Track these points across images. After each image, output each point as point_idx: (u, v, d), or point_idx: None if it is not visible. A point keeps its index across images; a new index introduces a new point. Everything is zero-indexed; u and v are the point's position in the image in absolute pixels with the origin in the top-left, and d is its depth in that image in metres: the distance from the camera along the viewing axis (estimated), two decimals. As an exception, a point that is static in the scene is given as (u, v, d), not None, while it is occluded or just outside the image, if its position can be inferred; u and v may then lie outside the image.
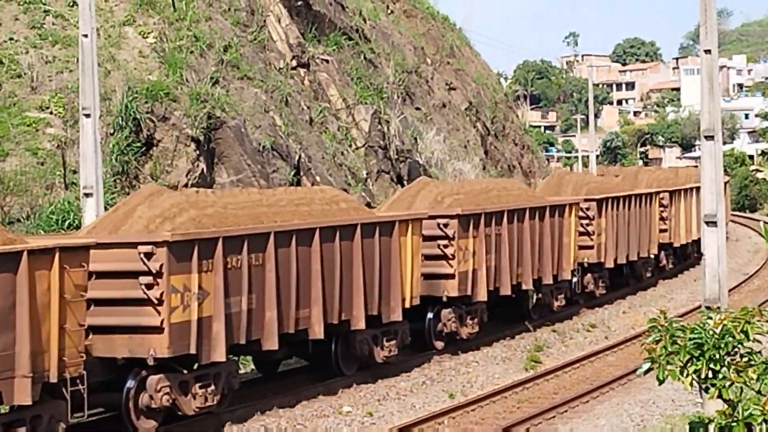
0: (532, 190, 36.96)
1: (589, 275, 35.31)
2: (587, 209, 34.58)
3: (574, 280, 33.64)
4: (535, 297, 32.13)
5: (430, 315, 26.92)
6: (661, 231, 41.84)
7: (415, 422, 20.44)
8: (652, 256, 40.95)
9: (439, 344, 27.24)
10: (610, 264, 36.09)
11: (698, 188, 45.99)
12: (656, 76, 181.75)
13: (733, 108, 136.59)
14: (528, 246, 30.01)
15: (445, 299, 26.83)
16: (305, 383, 23.53)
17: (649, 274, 40.98)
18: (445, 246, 26.59)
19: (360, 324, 23.19)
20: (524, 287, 30.38)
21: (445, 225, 26.48)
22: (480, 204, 28.46)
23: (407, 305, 24.73)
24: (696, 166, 62.10)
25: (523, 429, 20.35)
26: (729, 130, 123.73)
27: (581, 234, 34.11)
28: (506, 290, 28.92)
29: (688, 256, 47.70)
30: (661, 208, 41.78)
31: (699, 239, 45.87)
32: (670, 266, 44.27)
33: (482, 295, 27.71)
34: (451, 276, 26.65)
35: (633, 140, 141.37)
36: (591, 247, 34.69)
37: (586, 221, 34.46)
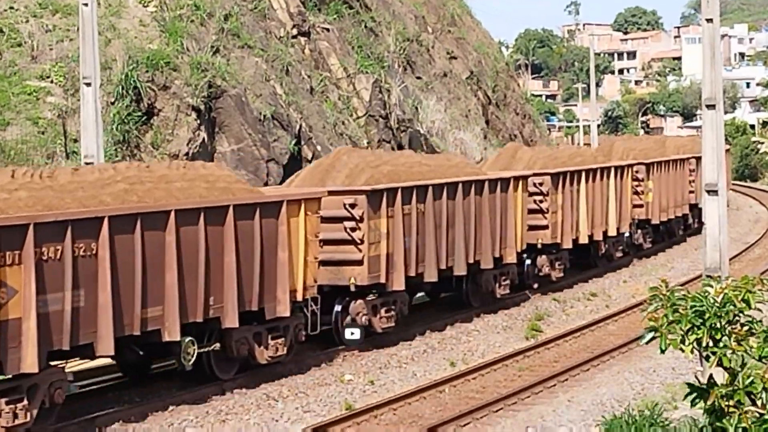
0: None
1: (359, 302, 24.20)
2: (352, 206, 23.69)
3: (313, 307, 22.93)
4: None
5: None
6: (535, 228, 31.71)
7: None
8: (512, 263, 29.93)
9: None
10: (398, 286, 24.71)
11: (621, 168, 37.58)
12: (658, 45, 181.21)
13: (734, 77, 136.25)
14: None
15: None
16: (308, 351, 23.59)
17: (504, 291, 29.65)
18: None
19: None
20: None
21: None
22: None
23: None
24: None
25: (524, 397, 20.45)
26: (730, 99, 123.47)
27: (332, 243, 23.53)
28: None
29: (610, 257, 37.83)
30: (538, 197, 32.01)
31: (621, 234, 37.06)
32: (559, 275, 33.03)
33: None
34: None
35: (634, 109, 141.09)
36: (359, 263, 23.87)
37: (351, 224, 23.78)
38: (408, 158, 28.18)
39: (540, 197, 32.14)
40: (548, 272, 32.45)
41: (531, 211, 31.41)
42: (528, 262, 31.94)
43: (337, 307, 24.22)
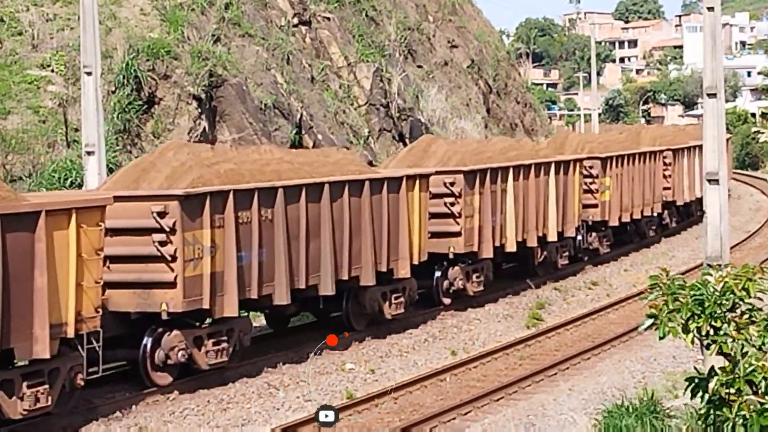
0: None
1: (174, 334, 19.77)
2: (161, 214, 19.29)
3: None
4: None
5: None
6: (445, 235, 27.27)
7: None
8: (406, 278, 25.23)
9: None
10: (229, 311, 20.33)
11: (565, 163, 32.23)
12: (659, 34, 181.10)
13: (735, 66, 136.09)
14: None
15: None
16: (310, 340, 23.61)
17: (397, 310, 25.04)
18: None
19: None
20: None
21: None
22: None
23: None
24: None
25: (525, 385, 20.49)
26: (731, 88, 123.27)
27: (140, 259, 19.44)
28: None
29: (553, 264, 32.89)
30: (449, 200, 27.29)
31: (568, 238, 32.11)
32: (477, 288, 28.41)
33: None
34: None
35: (635, 98, 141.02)
36: (172, 285, 19.34)
37: (161, 236, 19.29)
38: (263, 154, 22.89)
39: (450, 199, 27.23)
40: (462, 286, 27.69)
41: (438, 216, 26.85)
42: (438, 274, 27.44)
43: (147, 340, 19.53)
